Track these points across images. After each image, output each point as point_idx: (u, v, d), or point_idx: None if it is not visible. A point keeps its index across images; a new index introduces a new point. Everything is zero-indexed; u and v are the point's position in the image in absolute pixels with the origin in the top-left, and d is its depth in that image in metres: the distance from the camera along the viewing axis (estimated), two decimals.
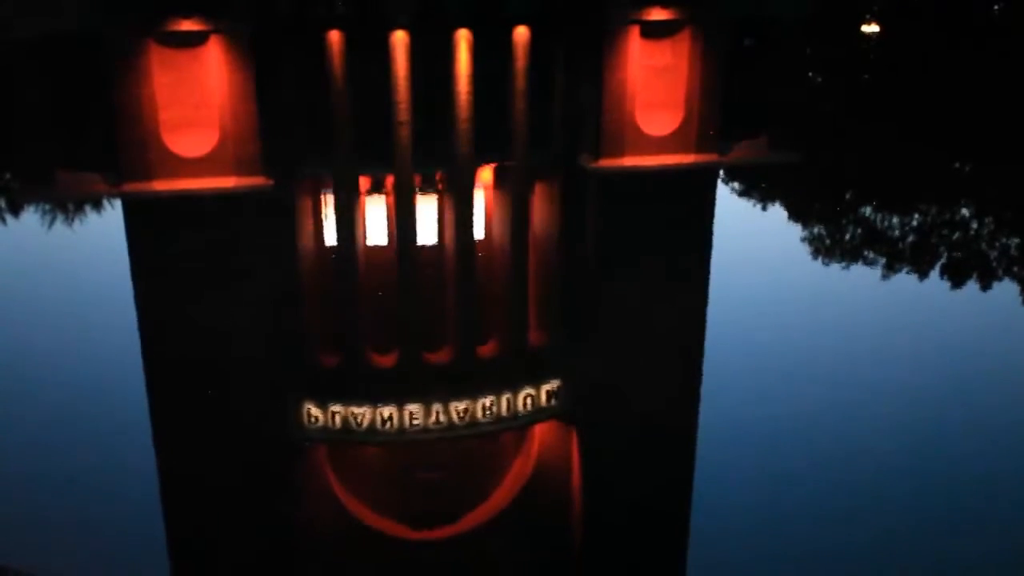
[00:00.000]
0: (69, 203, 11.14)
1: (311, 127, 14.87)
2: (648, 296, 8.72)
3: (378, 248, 10.37)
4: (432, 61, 19.68)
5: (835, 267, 9.66)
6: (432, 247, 10.43)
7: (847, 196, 12.46)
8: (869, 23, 26.67)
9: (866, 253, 10.15)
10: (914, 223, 11.35)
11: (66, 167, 12.92)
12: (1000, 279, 9.59)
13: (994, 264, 10.01)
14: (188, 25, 21.88)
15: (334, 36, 22.73)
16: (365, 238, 10.58)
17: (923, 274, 9.51)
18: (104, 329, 7.92)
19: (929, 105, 16.82)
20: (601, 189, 12.40)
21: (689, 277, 9.26)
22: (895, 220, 11.26)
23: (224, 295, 8.54)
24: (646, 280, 9.11)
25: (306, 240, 10.46)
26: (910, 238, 10.69)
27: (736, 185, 12.77)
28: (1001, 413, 6.80)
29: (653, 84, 17.95)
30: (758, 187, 12.60)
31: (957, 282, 9.32)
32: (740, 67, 20.08)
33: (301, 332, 8.15)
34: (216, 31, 21.45)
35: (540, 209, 11.65)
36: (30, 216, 10.73)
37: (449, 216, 11.14)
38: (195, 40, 20.61)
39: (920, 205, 11.93)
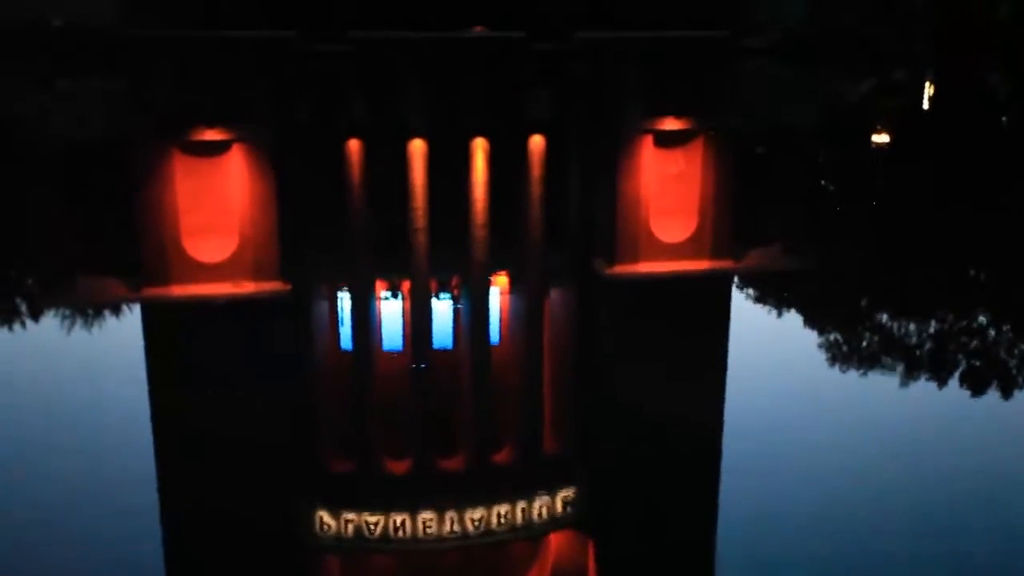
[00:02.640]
0: (89, 307, 11.23)
1: (329, 232, 15.06)
2: (664, 402, 8.66)
3: (393, 353, 10.39)
4: (449, 168, 20.03)
5: (852, 374, 9.59)
6: (447, 352, 10.43)
7: (863, 303, 12.46)
8: (880, 132, 27.08)
9: (884, 360, 10.09)
10: (931, 330, 11.31)
11: (87, 271, 13.08)
12: (1021, 387, 9.49)
13: (1014, 372, 9.92)
14: (212, 135, 22.43)
15: (353, 144, 23.21)
16: (380, 343, 10.61)
17: (942, 382, 9.43)
18: (118, 432, 7.90)
19: (942, 213, 16.93)
20: (616, 294, 12.45)
21: (705, 384, 9.21)
22: (912, 327, 11.22)
23: (239, 400, 8.53)
24: (662, 386, 9.05)
25: (321, 345, 10.49)
26: (928, 345, 10.64)
27: (751, 291, 12.79)
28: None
29: (667, 191, 18.19)
30: (773, 293, 12.62)
31: (977, 390, 9.23)
32: (754, 174, 20.34)
33: (315, 438, 8.11)
34: (238, 140, 21.98)
35: (555, 314, 11.68)
36: (50, 320, 10.81)
37: (464, 321, 11.17)
38: (218, 148, 21.10)
39: (937, 312, 11.90)
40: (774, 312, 11.92)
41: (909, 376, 9.54)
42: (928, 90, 38.23)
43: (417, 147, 22.77)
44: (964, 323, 11.57)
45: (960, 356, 10.23)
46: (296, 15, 42.60)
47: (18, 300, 11.88)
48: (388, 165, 20.33)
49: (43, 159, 20.71)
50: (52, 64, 36.44)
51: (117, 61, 37.43)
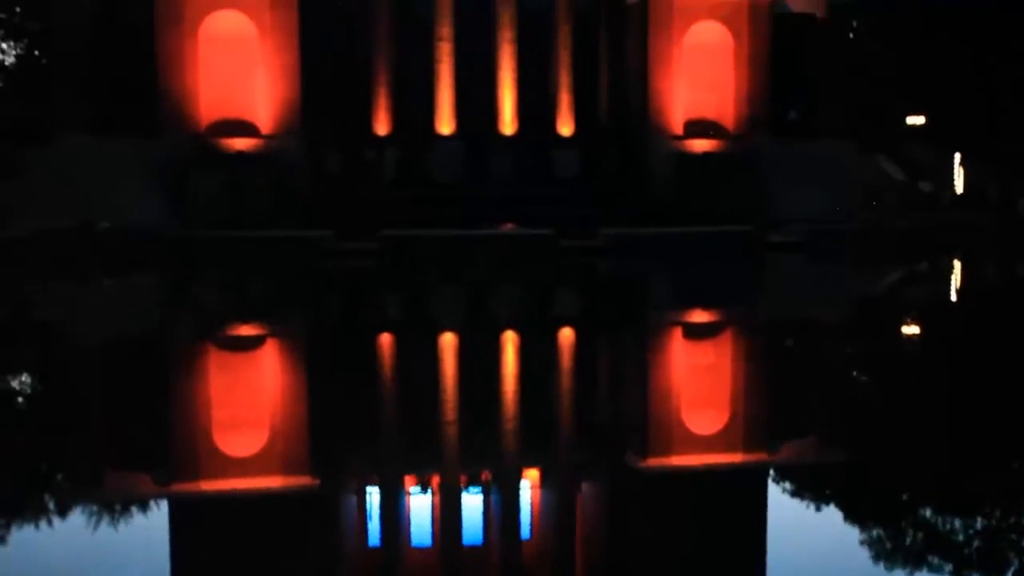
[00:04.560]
0: (117, 504, 11.14)
1: (359, 426, 15.03)
2: None
3: (423, 549, 10.13)
4: (478, 361, 20.14)
5: (898, 573, 9.20)
6: (478, 548, 10.17)
7: (904, 497, 12.11)
8: (910, 324, 27.09)
9: (930, 558, 9.69)
10: (978, 526, 10.90)
11: (116, 466, 13.05)
12: None
13: None
14: (247, 330, 22.86)
15: (385, 338, 23.51)
16: (410, 539, 10.37)
17: None
18: None
19: (979, 405, 16.67)
20: (650, 488, 12.19)
21: None
22: (958, 523, 10.84)
23: None
24: None
25: (350, 541, 10.27)
26: (976, 543, 10.23)
27: (787, 485, 12.49)
28: None
29: (699, 383, 18.13)
30: (810, 487, 12.31)
31: None
32: (784, 367, 20.27)
33: None
34: (272, 335, 22.36)
35: (588, 510, 11.41)
36: (76, 516, 10.71)
37: (495, 517, 10.94)
38: (252, 343, 21.43)
39: (983, 507, 11.51)
40: (812, 506, 11.59)
41: (958, 574, 9.15)
42: (956, 280, 38.56)
43: (447, 340, 23.00)
44: (1013, 519, 11.18)
45: (1011, 554, 9.83)
46: (330, 216, 44.23)
47: (46, 495, 11.81)
48: (418, 359, 20.49)
49: (79, 355, 21.08)
50: (97, 264, 37.75)
51: (158, 260, 38.72)
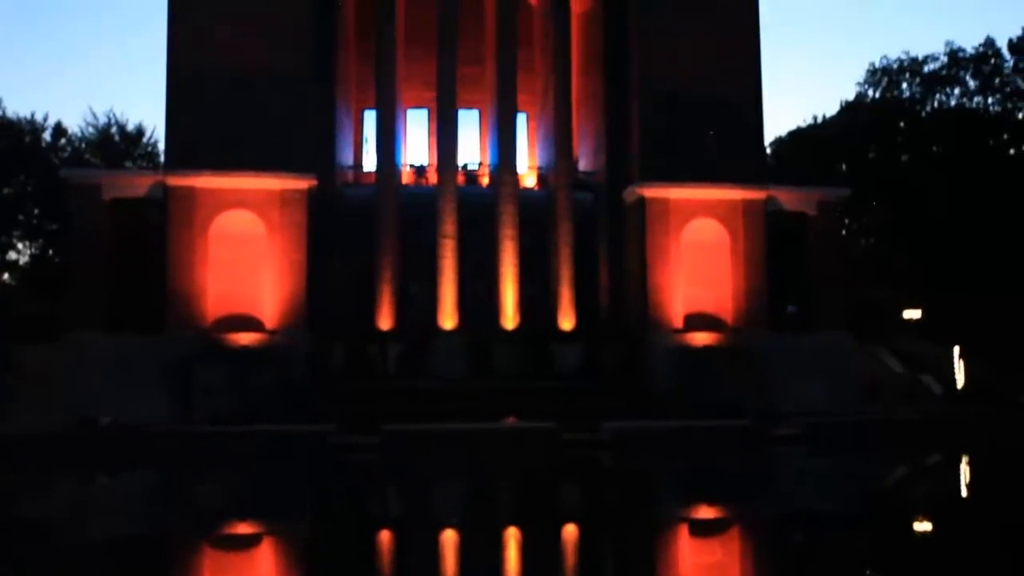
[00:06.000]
0: None
1: None
2: None
3: None
4: (481, 559, 19.79)
5: None
6: None
7: None
8: (921, 520, 26.67)
9: None
10: None
11: None
12: None
13: None
14: (246, 528, 22.55)
15: (385, 536, 23.20)
16: None
17: None
18: None
19: None
20: None
21: None
22: None
23: None
24: None
25: None
26: None
27: None
28: None
29: None
30: None
31: None
32: (792, 564, 19.88)
33: None
34: (269, 533, 22.04)
35: None
36: None
37: None
38: (250, 543, 21.10)
39: None
40: None
41: None
42: (966, 475, 38.21)
43: (448, 538, 22.66)
44: None
45: None
46: (334, 410, 44.35)
47: None
48: (419, 558, 20.14)
49: (69, 557, 20.75)
50: (98, 460, 37.58)
51: (161, 455, 38.56)
